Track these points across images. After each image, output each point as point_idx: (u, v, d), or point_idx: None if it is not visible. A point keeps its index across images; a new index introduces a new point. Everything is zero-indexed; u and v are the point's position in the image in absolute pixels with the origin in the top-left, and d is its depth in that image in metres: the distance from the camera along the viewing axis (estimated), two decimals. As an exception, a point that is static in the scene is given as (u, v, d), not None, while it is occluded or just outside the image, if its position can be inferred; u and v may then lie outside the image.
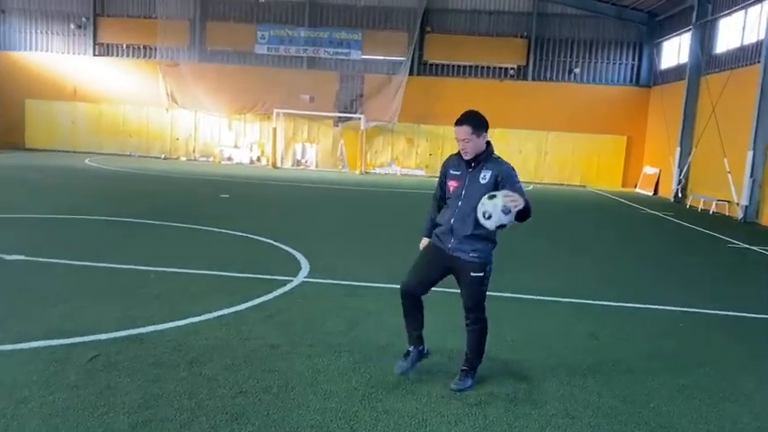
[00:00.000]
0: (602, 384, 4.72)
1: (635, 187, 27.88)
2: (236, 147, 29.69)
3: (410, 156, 29.56)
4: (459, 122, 4.31)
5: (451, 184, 4.46)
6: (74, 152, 29.19)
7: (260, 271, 7.73)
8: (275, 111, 28.06)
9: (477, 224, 4.23)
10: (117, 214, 11.63)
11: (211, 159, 29.52)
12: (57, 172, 19.88)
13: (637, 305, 7.28)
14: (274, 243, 9.64)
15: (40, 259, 7.71)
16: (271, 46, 29.20)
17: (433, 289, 4.59)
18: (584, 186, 28.19)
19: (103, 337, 5.10)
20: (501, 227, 4.11)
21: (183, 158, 29.60)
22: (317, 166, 29.29)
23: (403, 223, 12.68)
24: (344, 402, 4.14)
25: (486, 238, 4.35)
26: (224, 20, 29.42)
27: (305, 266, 8.14)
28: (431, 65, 29.40)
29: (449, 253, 4.40)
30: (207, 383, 4.32)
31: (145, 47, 29.88)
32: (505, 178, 4.24)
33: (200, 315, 5.82)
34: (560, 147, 28.91)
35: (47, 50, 30.21)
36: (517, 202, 3.97)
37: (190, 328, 5.46)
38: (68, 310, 5.75)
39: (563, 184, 28.58)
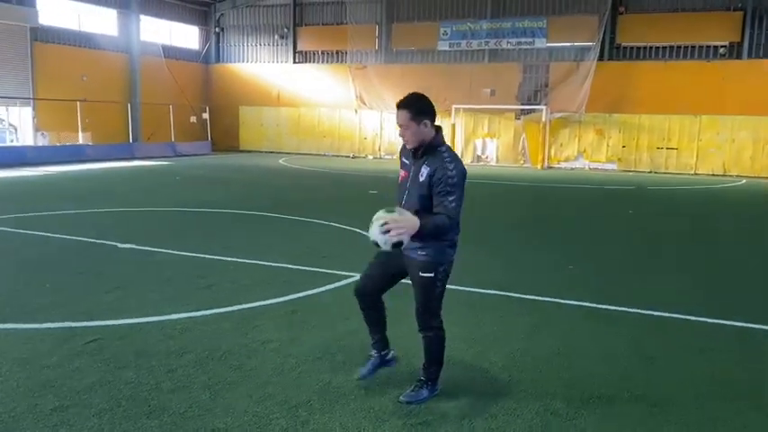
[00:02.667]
0: (598, 417, 3.80)
1: None
2: (418, 144, 30.05)
3: (600, 148, 27.37)
4: (398, 105, 3.78)
5: (401, 174, 3.97)
6: (277, 153, 31.92)
7: (331, 266, 7.62)
8: (453, 106, 27.85)
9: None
10: (257, 208, 12.38)
11: (395, 157, 30.25)
12: (246, 170, 21.89)
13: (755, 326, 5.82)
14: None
15: (148, 248, 8.44)
16: (453, 41, 29.07)
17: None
18: (816, 180, 23.68)
19: (120, 322, 5.38)
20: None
21: (370, 157, 30.77)
22: (497, 162, 28.51)
23: (564, 225, 11.71)
24: (272, 408, 3.84)
25: (436, 236, 3.76)
26: (408, 20, 29.98)
27: (381, 263, 7.86)
28: (624, 48, 26.97)
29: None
30: (163, 375, 4.31)
31: (337, 52, 31.65)
32: (438, 180, 3.65)
33: (228, 306, 5.88)
34: (784, 134, 24.62)
35: (256, 61, 33.46)
36: (399, 231, 3.54)
37: (206, 319, 5.54)
38: (119, 296, 6.18)
39: (788, 178, 24.31)
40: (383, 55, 30.58)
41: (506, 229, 11.48)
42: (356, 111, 31.12)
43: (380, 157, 30.60)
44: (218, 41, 34.19)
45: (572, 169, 26.99)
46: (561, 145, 27.84)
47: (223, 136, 33.09)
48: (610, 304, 6.26)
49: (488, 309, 6.12)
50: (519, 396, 4.10)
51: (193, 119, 30.81)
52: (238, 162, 25.76)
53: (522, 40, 27.94)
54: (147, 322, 5.41)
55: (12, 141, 23.55)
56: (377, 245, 3.70)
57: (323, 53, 32.16)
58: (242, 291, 6.48)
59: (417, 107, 3.74)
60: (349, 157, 30.65)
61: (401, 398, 3.97)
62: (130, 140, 27.18)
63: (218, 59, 34.29)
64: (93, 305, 5.86)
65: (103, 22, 27.99)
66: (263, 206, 12.73)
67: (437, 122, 3.93)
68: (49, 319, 5.41)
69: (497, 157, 28.70)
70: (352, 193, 16.59)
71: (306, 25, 32.31)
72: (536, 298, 6.46)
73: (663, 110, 26.02)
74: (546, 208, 14.87)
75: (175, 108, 29.15)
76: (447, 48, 29.28)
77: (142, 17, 29.24)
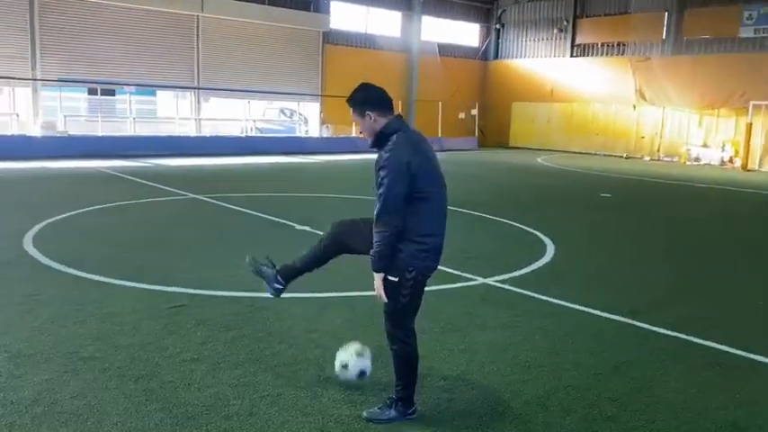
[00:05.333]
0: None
1: None
2: (705, 146, 26.36)
3: None
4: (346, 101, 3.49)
5: None
6: (546, 150, 30.93)
7: (464, 267, 7.15)
8: (752, 103, 23.67)
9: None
10: (460, 204, 12.16)
11: (676, 159, 26.98)
12: (491, 167, 21.75)
13: None
14: (548, 242, 8.66)
15: (319, 232, 8.83)
16: (759, 27, 24.75)
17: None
18: None
19: (217, 293, 5.85)
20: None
21: (647, 158, 27.92)
22: (807, 170, 23.50)
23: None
24: (239, 393, 3.83)
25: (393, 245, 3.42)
26: (704, 5, 26.35)
27: (525, 270, 7.17)
28: None
29: None
30: (193, 346, 4.57)
31: (618, 44, 29.41)
32: (376, 170, 3.35)
33: (325, 292, 5.99)
34: None
35: (533, 56, 32.85)
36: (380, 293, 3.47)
37: (288, 301, 5.55)
38: (247, 271, 6.70)
39: None
40: (670, 45, 27.43)
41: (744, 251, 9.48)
42: (634, 107, 28.52)
43: (659, 159, 27.57)
44: (497, 38, 34.38)
45: None
46: None
47: (494, 132, 33.28)
48: (752, 353, 4.76)
49: (606, 339, 5.17)
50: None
51: (462, 115, 31.53)
52: (493, 158, 25.65)
53: None
54: (238, 296, 5.78)
55: (301, 133, 27.02)
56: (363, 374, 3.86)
57: (602, 45, 30.12)
58: (355, 280, 6.44)
59: (356, 99, 3.43)
60: (622, 157, 28.26)
61: (364, 413, 3.60)
62: (400, 134, 28.94)
63: (496, 56, 34.49)
64: (215, 275, 6.45)
65: (387, 24, 30.26)
66: (468, 202, 12.48)
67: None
68: (169, 282, 6.11)
69: (808, 163, 23.67)
70: (581, 195, 15.31)
71: (587, 17, 30.61)
72: (664, 332, 5.24)
73: None
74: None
75: (444, 104, 30.18)
76: (752, 34, 25.02)
77: (423, 17, 30.84)
